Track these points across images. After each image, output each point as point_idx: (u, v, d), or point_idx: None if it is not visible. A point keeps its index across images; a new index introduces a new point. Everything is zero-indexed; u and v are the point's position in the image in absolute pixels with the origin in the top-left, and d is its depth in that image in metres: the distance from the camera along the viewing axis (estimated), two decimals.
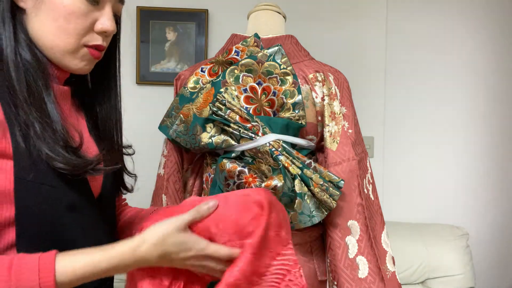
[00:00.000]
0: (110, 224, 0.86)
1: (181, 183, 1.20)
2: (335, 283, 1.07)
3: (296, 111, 1.05)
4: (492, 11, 2.23)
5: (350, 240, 1.07)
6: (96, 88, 0.90)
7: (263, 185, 0.97)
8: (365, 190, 1.11)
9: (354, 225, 1.07)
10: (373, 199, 1.14)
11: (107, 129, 0.88)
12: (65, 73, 0.83)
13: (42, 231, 0.68)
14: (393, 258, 1.14)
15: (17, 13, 0.76)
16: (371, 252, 1.07)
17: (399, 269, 1.94)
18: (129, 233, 0.88)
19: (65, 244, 0.70)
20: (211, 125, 1.05)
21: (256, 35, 1.10)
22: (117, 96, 0.90)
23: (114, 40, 0.90)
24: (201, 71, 1.11)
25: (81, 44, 0.78)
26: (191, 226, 0.73)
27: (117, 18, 0.87)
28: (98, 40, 0.80)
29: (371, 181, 1.16)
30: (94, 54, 0.80)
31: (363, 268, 1.06)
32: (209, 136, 1.04)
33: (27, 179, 0.67)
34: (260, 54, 1.05)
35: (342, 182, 1.02)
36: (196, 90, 1.09)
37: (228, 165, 1.00)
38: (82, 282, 0.66)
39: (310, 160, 1.03)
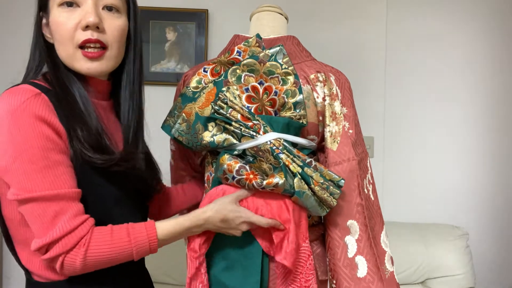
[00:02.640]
0: (144, 212, 1.06)
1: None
2: (334, 282, 1.08)
3: (297, 111, 1.05)
4: (493, 10, 2.23)
5: (349, 240, 1.07)
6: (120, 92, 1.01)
7: (264, 182, 0.97)
8: (365, 190, 1.11)
9: (353, 225, 1.08)
10: (373, 199, 1.14)
11: (128, 131, 0.98)
12: (97, 86, 0.96)
13: (96, 219, 0.87)
14: (391, 258, 1.15)
15: (52, 47, 0.92)
16: (370, 252, 1.07)
17: (399, 269, 1.94)
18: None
19: None
20: (213, 124, 1.05)
21: (258, 36, 1.10)
22: (134, 99, 1.00)
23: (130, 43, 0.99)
24: (204, 71, 1.11)
25: (75, 47, 0.90)
26: (240, 202, 1.01)
27: (134, 19, 0.99)
28: (86, 36, 0.89)
29: (371, 181, 1.16)
30: (86, 54, 0.90)
31: (362, 267, 1.06)
32: (210, 135, 1.04)
33: (80, 179, 0.86)
34: (262, 54, 1.05)
35: (343, 181, 1.03)
36: (198, 90, 1.09)
37: (229, 159, 1.00)
38: (173, 239, 0.94)
39: (310, 159, 1.03)
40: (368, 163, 1.16)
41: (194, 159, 1.24)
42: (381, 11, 2.23)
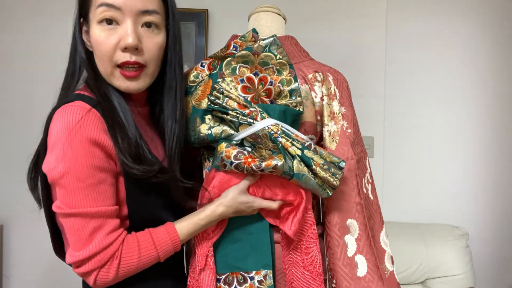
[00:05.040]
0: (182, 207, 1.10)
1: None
2: (334, 281, 1.08)
3: (293, 98, 1.05)
4: (493, 10, 2.23)
5: (349, 239, 1.07)
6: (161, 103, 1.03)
7: (263, 164, 0.96)
8: (364, 189, 1.12)
9: (353, 224, 1.08)
10: (372, 198, 1.15)
11: (170, 144, 1.01)
12: (134, 94, 0.98)
13: (147, 221, 0.96)
14: (391, 257, 1.15)
15: (92, 55, 0.94)
16: (369, 251, 1.07)
17: (399, 269, 1.94)
18: None
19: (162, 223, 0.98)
20: (209, 116, 1.04)
21: (254, 30, 1.10)
22: (177, 110, 1.01)
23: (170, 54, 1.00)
24: (201, 65, 1.11)
25: (113, 66, 0.92)
26: (248, 189, 1.03)
27: (174, 31, 0.97)
28: (124, 58, 0.90)
29: (370, 180, 1.16)
30: (124, 74, 0.92)
31: (362, 266, 1.06)
32: (208, 127, 1.04)
33: (130, 191, 0.92)
34: (255, 45, 1.05)
35: (343, 163, 1.03)
36: (195, 84, 1.09)
37: (227, 146, 1.00)
38: (190, 237, 1.00)
39: (310, 142, 1.03)
40: (367, 163, 1.16)
41: (193, 156, 1.24)
42: (381, 11, 2.23)
